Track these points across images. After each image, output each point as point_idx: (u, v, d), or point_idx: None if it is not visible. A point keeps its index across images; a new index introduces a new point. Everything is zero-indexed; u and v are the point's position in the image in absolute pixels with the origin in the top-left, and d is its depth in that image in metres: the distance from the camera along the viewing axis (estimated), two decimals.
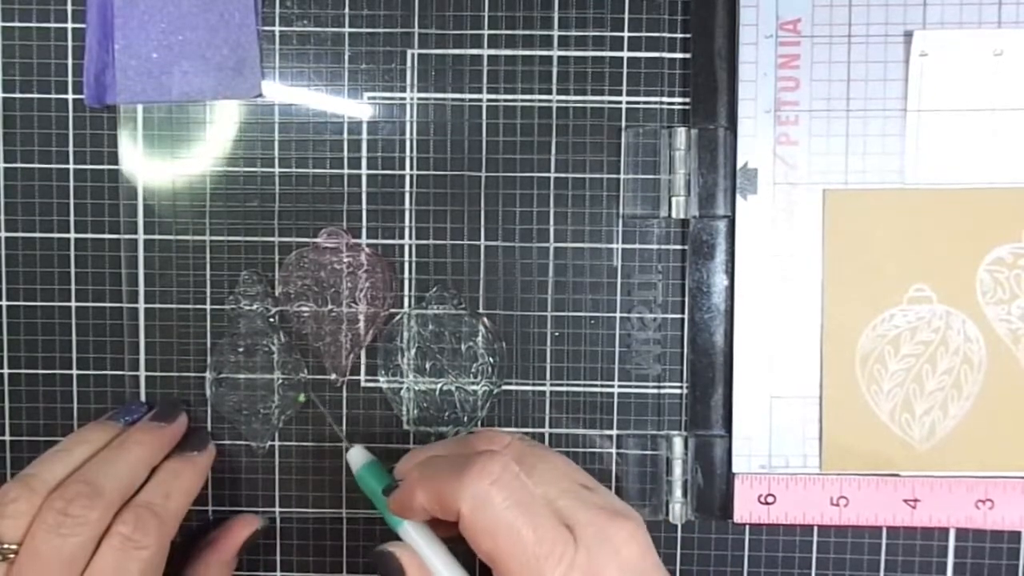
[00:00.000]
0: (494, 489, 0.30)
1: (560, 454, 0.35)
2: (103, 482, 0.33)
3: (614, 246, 0.39)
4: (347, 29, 0.38)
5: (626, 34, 0.38)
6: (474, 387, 0.39)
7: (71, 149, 0.39)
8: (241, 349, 0.39)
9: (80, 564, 0.32)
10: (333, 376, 0.39)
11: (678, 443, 0.39)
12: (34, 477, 0.33)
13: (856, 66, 0.37)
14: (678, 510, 0.39)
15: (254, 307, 0.39)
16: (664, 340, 0.39)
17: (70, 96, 0.38)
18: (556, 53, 0.38)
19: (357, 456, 0.37)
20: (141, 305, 0.39)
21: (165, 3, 0.37)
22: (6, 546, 0.32)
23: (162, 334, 0.39)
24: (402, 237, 0.39)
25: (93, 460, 0.35)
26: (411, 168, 0.39)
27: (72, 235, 0.39)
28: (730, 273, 0.38)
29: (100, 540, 0.32)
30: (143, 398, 0.39)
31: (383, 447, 0.39)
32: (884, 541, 0.39)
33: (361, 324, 0.39)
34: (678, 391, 0.39)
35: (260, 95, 0.38)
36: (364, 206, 0.39)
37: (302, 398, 0.38)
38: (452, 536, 0.33)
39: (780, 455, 0.38)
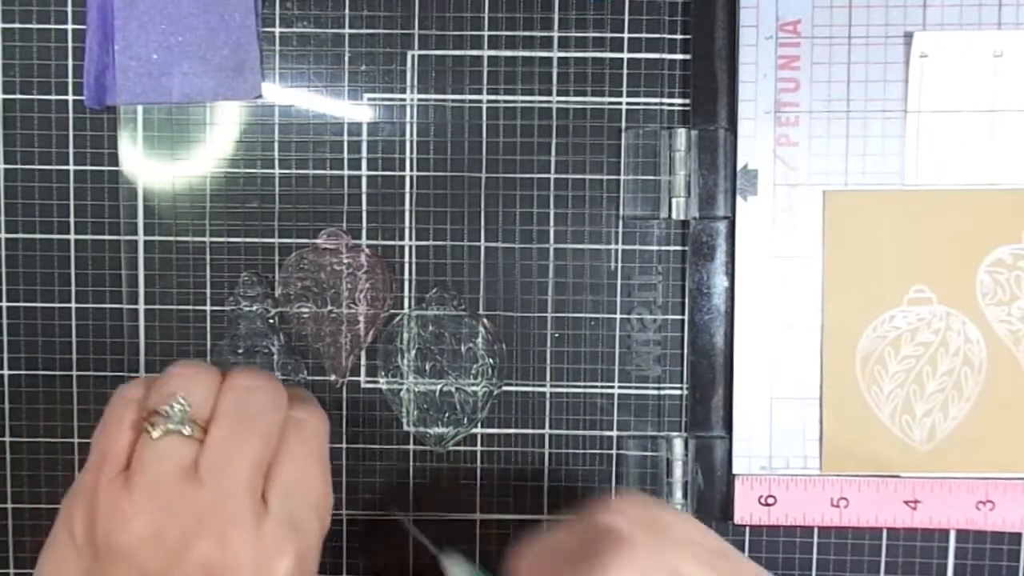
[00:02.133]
0: None
1: (691, 517, 0.30)
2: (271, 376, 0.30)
3: (614, 247, 0.39)
4: (347, 30, 0.38)
5: (626, 35, 0.38)
6: (474, 388, 0.39)
7: (71, 150, 0.39)
8: (241, 350, 0.39)
9: (269, 451, 0.28)
10: (333, 377, 0.39)
11: (678, 444, 0.39)
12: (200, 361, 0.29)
13: (856, 67, 0.37)
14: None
15: (254, 308, 0.39)
16: (664, 341, 0.39)
17: (70, 97, 0.38)
18: (556, 54, 0.38)
19: (457, 572, 0.35)
20: (141, 306, 0.39)
21: (165, 4, 0.37)
22: (200, 422, 0.27)
23: (162, 335, 0.39)
24: (402, 238, 0.39)
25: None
26: (411, 169, 0.39)
27: (72, 236, 0.39)
28: (730, 274, 0.38)
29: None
30: None
31: (383, 448, 0.39)
32: (884, 542, 0.39)
33: (361, 325, 0.39)
34: (678, 392, 0.39)
35: (260, 96, 0.38)
36: (364, 207, 0.39)
37: None
38: None
39: (780, 456, 0.38)
